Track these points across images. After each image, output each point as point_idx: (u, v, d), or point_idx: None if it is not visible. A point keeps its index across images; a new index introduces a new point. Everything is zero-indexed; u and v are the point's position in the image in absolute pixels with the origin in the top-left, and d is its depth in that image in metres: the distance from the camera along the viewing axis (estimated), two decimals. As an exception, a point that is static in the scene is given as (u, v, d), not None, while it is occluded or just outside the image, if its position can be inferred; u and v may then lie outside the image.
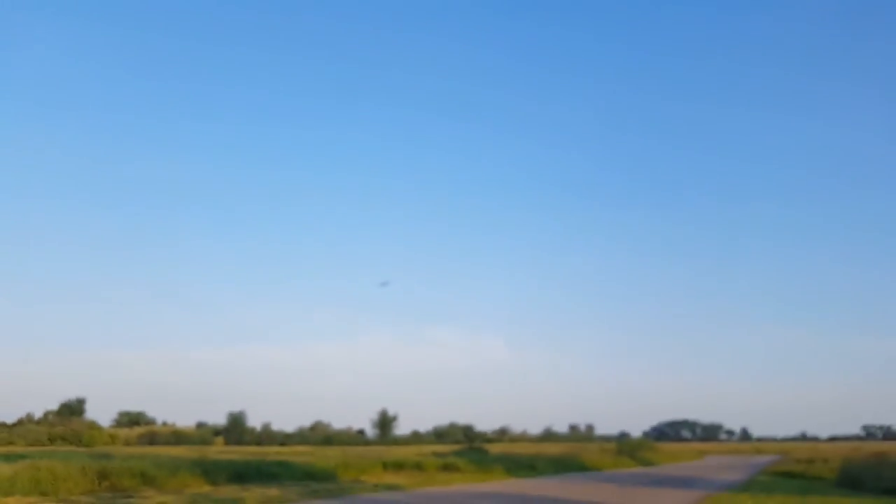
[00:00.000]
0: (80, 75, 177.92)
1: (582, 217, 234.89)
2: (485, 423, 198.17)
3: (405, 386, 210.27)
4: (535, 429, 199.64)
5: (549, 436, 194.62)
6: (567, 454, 58.28)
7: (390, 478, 34.61)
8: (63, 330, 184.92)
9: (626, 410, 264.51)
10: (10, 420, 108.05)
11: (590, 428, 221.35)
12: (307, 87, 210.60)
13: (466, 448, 71.86)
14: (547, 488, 29.72)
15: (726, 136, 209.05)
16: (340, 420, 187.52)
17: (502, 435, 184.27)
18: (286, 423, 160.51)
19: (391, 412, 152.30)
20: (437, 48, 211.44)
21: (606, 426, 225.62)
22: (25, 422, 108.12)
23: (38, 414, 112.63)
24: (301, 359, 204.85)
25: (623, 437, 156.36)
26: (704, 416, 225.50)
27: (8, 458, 34.99)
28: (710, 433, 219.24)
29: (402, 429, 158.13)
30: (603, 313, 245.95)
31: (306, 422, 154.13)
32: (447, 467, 39.29)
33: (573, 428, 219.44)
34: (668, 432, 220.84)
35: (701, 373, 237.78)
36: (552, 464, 47.86)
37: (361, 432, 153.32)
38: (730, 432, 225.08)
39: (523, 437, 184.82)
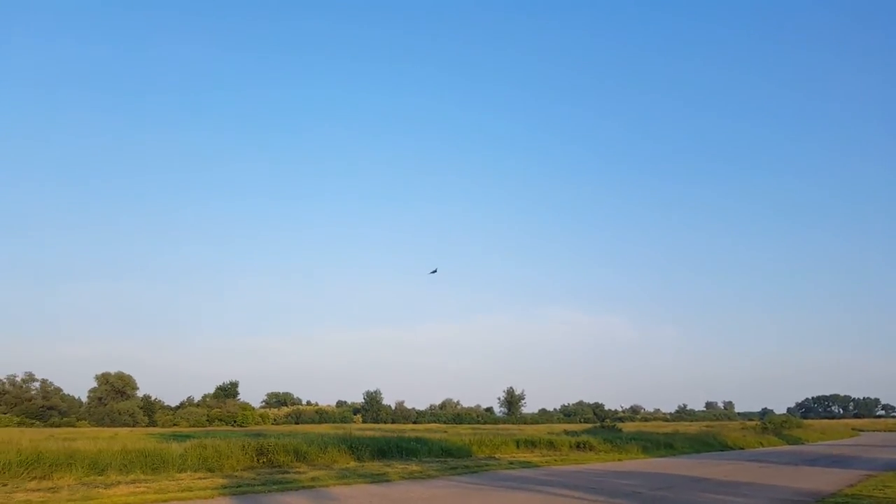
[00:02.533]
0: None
1: (719, 189, 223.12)
2: (613, 402, 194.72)
3: (529, 364, 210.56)
4: (667, 407, 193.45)
5: (684, 414, 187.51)
6: (706, 433, 55.90)
7: (524, 455, 34.86)
8: (217, 320, 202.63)
9: (766, 387, 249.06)
10: (173, 404, 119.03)
11: (729, 405, 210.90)
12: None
13: (598, 426, 70.82)
14: (690, 468, 28.68)
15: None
16: (468, 398, 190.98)
17: (634, 413, 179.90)
18: (417, 401, 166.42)
19: (517, 390, 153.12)
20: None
21: (745, 403, 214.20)
22: (187, 405, 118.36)
23: (197, 397, 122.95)
24: (427, 339, 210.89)
25: (766, 414, 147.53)
26: (857, 391, 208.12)
27: (176, 437, 38.85)
28: (864, 409, 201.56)
29: (529, 407, 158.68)
30: (735, 289, 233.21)
31: (436, 400, 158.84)
32: (580, 445, 38.91)
33: (710, 405, 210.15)
34: (815, 408, 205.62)
35: (855, 347, 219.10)
36: (691, 442, 46.11)
37: (490, 410, 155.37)
38: (889, 407, 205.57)
39: (656, 416, 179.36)
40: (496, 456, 33.39)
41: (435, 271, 58.84)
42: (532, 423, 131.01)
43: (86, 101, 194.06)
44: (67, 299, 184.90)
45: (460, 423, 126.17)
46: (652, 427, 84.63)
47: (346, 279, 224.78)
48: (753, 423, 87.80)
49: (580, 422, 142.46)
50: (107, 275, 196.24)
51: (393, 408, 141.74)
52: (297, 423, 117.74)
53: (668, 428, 75.65)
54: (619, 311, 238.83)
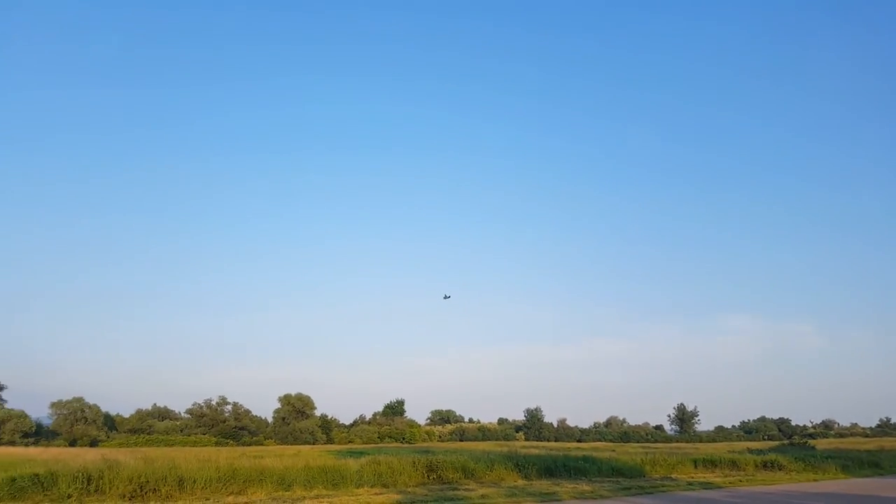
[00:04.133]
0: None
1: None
2: (801, 417, 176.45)
3: (701, 379, 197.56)
4: (866, 421, 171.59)
5: (887, 428, 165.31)
6: (921, 449, 48.85)
7: (703, 475, 32.47)
8: (383, 342, 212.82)
9: None
10: (347, 422, 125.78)
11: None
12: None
13: (786, 444, 64.57)
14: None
15: None
16: (635, 415, 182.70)
17: (826, 429, 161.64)
18: (579, 419, 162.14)
19: (689, 406, 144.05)
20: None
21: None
22: (359, 422, 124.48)
23: (368, 415, 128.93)
24: (587, 355, 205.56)
25: None
26: None
27: (351, 454, 40.82)
28: None
29: (703, 424, 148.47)
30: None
31: (599, 417, 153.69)
32: (768, 465, 35.56)
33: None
34: None
35: None
36: (902, 461, 40.51)
37: (660, 428, 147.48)
38: None
39: (853, 431, 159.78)
40: (672, 476, 31.40)
41: (448, 297, 58.13)
42: (708, 442, 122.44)
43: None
44: (254, 327, 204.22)
45: (628, 442, 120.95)
46: (850, 444, 75.48)
47: (499, 297, 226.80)
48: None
49: (763, 439, 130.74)
50: (287, 304, 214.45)
51: (555, 425, 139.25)
52: (461, 441, 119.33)
53: (871, 444, 67.17)
54: (803, 317, 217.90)
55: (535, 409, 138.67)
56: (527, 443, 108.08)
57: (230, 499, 20.89)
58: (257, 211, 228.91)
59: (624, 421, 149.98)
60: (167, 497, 20.75)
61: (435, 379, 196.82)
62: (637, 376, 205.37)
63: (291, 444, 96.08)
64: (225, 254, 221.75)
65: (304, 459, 27.90)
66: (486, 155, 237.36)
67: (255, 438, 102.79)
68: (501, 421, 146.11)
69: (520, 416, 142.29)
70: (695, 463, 34.96)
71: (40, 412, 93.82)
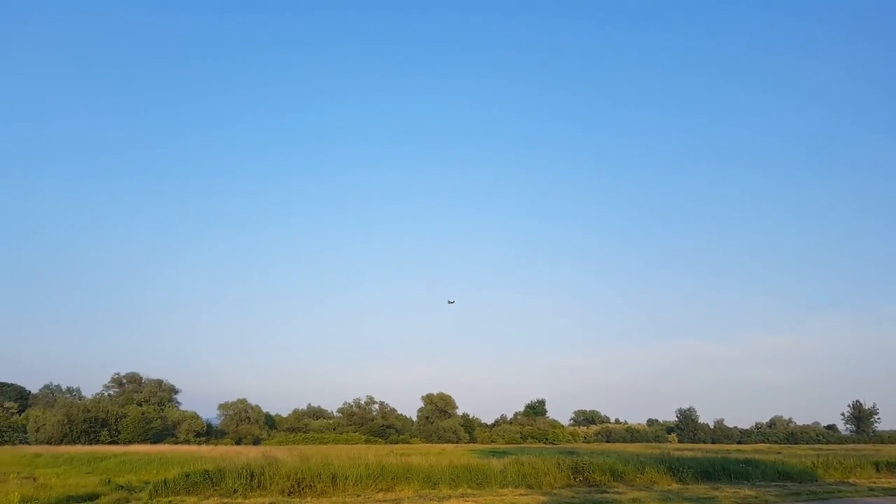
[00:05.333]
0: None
1: None
2: None
3: (878, 374, 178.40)
4: None
5: None
6: None
7: (887, 480, 28.96)
8: (524, 340, 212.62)
9: None
10: (489, 421, 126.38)
11: None
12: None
13: None
14: None
15: None
16: (802, 415, 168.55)
17: None
18: (738, 419, 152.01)
19: (866, 404, 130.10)
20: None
21: None
22: (501, 422, 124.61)
23: (509, 415, 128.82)
24: (741, 352, 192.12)
25: None
26: None
27: (494, 453, 40.76)
28: None
29: (884, 423, 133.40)
30: None
31: (761, 417, 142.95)
32: (971, 470, 31.03)
33: None
34: None
35: None
36: None
37: (832, 427, 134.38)
38: None
39: None
40: (849, 481, 28.26)
41: (452, 302, 58.13)
42: (891, 443, 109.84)
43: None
44: (398, 329, 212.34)
45: (795, 443, 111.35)
46: None
47: (642, 293, 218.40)
48: None
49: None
50: (423, 309, 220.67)
51: (711, 426, 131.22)
52: (607, 442, 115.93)
53: None
54: None
55: (689, 410, 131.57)
56: (680, 445, 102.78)
57: (379, 495, 21.42)
58: (414, 222, 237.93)
59: (790, 421, 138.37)
60: (322, 493, 21.66)
61: (577, 378, 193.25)
62: (800, 372, 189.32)
63: (436, 443, 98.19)
64: (368, 263, 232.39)
65: (449, 458, 28.13)
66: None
67: (401, 437, 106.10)
68: (651, 422, 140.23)
69: (671, 417, 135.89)
70: (876, 466, 31.29)
71: (209, 413, 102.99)
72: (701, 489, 23.91)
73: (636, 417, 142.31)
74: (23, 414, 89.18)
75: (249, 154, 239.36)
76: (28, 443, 76.86)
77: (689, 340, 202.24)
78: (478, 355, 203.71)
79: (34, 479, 28.08)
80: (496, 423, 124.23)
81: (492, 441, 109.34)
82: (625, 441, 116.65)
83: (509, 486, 23.86)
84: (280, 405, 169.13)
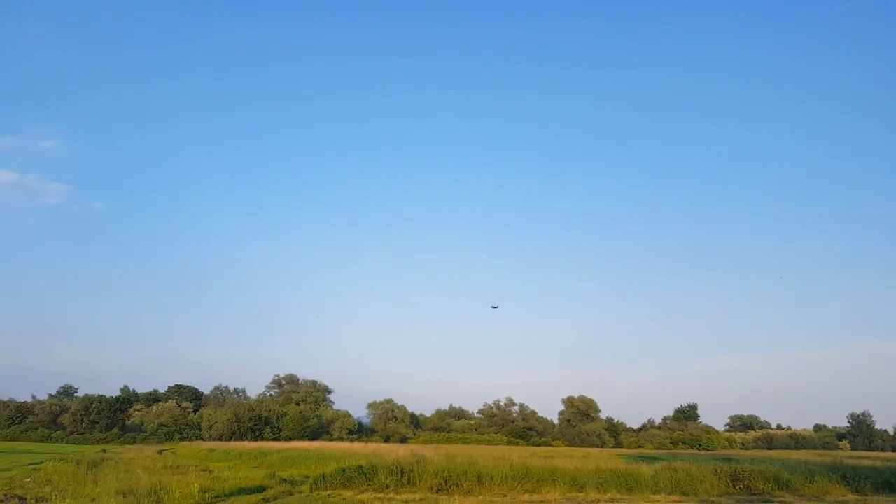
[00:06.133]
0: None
1: None
2: None
3: None
4: None
5: None
6: None
7: None
8: (674, 342, 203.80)
9: None
10: (635, 426, 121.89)
11: None
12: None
13: None
14: None
15: None
16: None
17: None
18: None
19: None
20: None
21: None
22: (648, 427, 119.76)
23: (657, 420, 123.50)
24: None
25: None
26: None
27: (643, 459, 39.17)
28: None
29: None
30: None
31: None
32: None
33: None
34: None
35: None
36: None
37: None
38: None
39: None
40: None
41: (497, 307, 58.62)
42: None
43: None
44: (536, 332, 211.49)
45: None
46: None
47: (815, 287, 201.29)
48: None
49: None
50: (568, 310, 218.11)
51: (891, 433, 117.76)
52: (768, 449, 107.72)
53: None
54: None
55: (863, 414, 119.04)
56: (853, 452, 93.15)
57: (525, 496, 21.39)
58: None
59: None
60: (468, 491, 22.00)
61: (731, 381, 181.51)
62: None
63: (579, 446, 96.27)
64: (503, 266, 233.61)
65: (595, 462, 27.49)
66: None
67: (543, 439, 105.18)
68: (818, 427, 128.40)
69: (842, 423, 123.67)
70: None
71: (360, 412, 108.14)
72: (883, 502, 21.52)
73: (800, 423, 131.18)
74: (197, 413, 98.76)
75: (400, 162, 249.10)
76: (203, 439, 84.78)
77: (867, 340, 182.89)
78: (622, 359, 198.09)
79: (210, 472, 30.96)
80: (643, 428, 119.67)
81: (639, 446, 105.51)
82: (788, 448, 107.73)
83: (662, 492, 22.90)
84: (422, 405, 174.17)
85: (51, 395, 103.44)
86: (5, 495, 20.07)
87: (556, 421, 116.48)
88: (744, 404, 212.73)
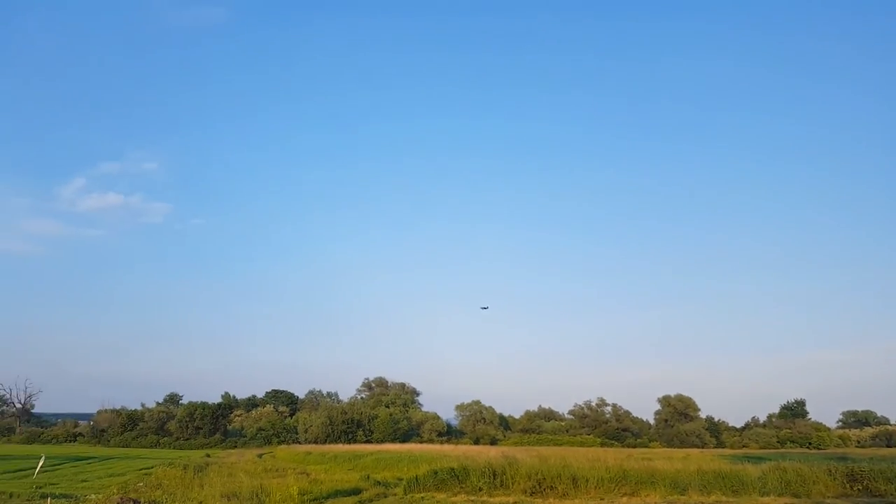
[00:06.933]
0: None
1: None
2: None
3: None
4: None
5: None
6: None
7: None
8: (776, 336, 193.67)
9: None
10: (737, 424, 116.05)
11: None
12: None
13: None
14: None
15: None
16: None
17: None
18: None
19: None
20: None
21: None
22: (752, 425, 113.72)
23: (761, 418, 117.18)
24: None
25: None
26: None
27: (748, 459, 37.14)
28: None
29: None
30: None
31: None
32: None
33: None
34: None
35: None
36: None
37: None
38: None
39: None
40: None
41: (486, 308, 59.74)
42: None
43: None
44: (625, 327, 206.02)
45: None
46: None
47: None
48: None
49: None
50: (668, 303, 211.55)
51: None
52: (887, 447, 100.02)
53: None
54: None
55: None
56: None
57: (623, 500, 20.69)
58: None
59: None
60: (564, 494, 21.51)
61: (843, 375, 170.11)
62: None
63: (678, 447, 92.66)
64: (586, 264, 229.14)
65: (696, 463, 26.30)
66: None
67: (638, 440, 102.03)
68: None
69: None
70: None
71: (448, 414, 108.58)
72: None
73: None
74: (293, 417, 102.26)
75: (473, 166, 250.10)
76: (299, 442, 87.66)
77: None
78: (721, 354, 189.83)
79: (307, 475, 31.86)
80: (747, 427, 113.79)
81: (743, 446, 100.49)
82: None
83: (770, 493, 21.60)
84: (511, 406, 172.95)
85: (158, 403, 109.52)
86: (121, 498, 21.36)
87: (651, 421, 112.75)
88: (858, 399, 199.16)
